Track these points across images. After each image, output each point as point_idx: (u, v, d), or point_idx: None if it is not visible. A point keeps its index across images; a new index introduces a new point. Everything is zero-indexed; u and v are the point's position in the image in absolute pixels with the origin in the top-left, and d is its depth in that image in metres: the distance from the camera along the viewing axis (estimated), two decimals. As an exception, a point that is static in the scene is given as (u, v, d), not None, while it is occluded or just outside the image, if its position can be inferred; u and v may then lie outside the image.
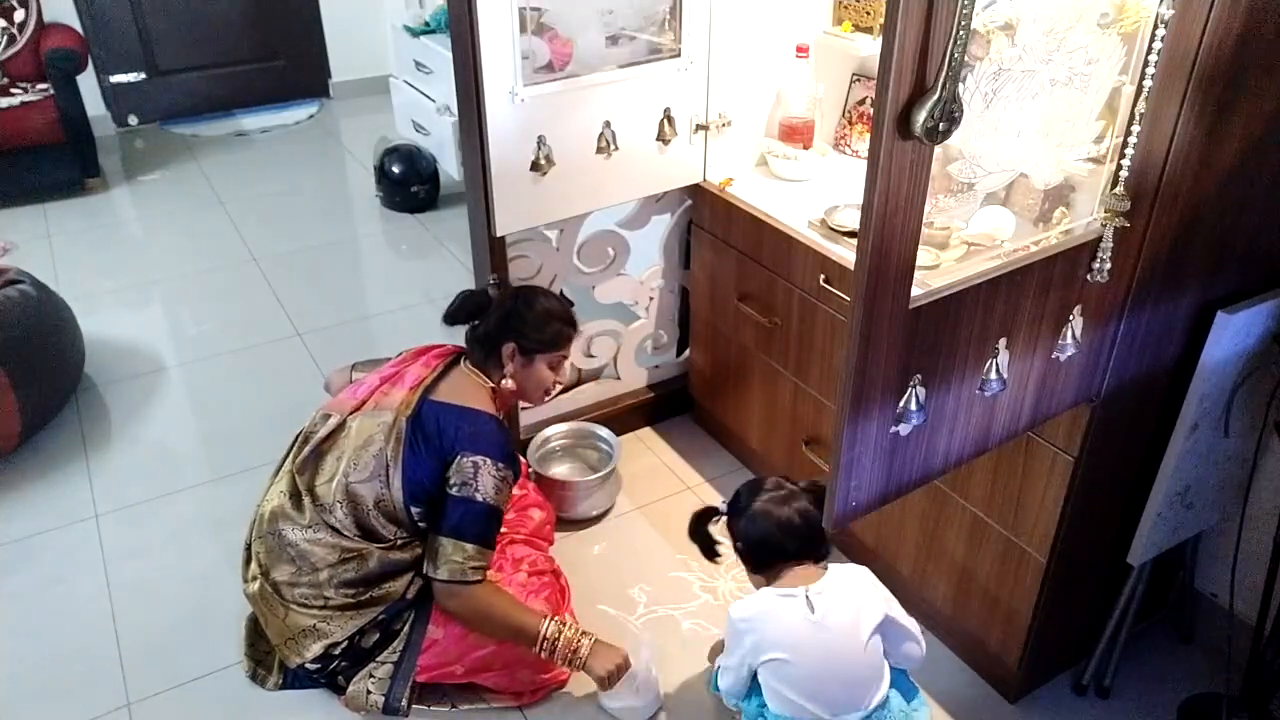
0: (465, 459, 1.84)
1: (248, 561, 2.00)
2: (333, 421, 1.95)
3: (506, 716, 1.98)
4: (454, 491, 1.84)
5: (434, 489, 1.88)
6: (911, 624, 1.70)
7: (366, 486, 1.87)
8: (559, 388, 2.10)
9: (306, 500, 1.91)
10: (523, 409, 2.51)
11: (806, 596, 1.64)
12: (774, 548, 1.72)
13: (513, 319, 1.96)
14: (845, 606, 1.63)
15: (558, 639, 1.89)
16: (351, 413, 1.96)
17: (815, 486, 1.77)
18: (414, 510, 1.89)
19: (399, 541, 1.91)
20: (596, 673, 1.90)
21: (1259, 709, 1.84)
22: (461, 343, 2.07)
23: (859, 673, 1.62)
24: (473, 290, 2.04)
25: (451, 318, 2.01)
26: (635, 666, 1.94)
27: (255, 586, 1.94)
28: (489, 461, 1.85)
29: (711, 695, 1.89)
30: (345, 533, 1.88)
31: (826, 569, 1.71)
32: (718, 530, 1.88)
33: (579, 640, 1.91)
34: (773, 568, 1.73)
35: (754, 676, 1.71)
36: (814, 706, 1.61)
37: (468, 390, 1.95)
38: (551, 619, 1.91)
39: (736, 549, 1.80)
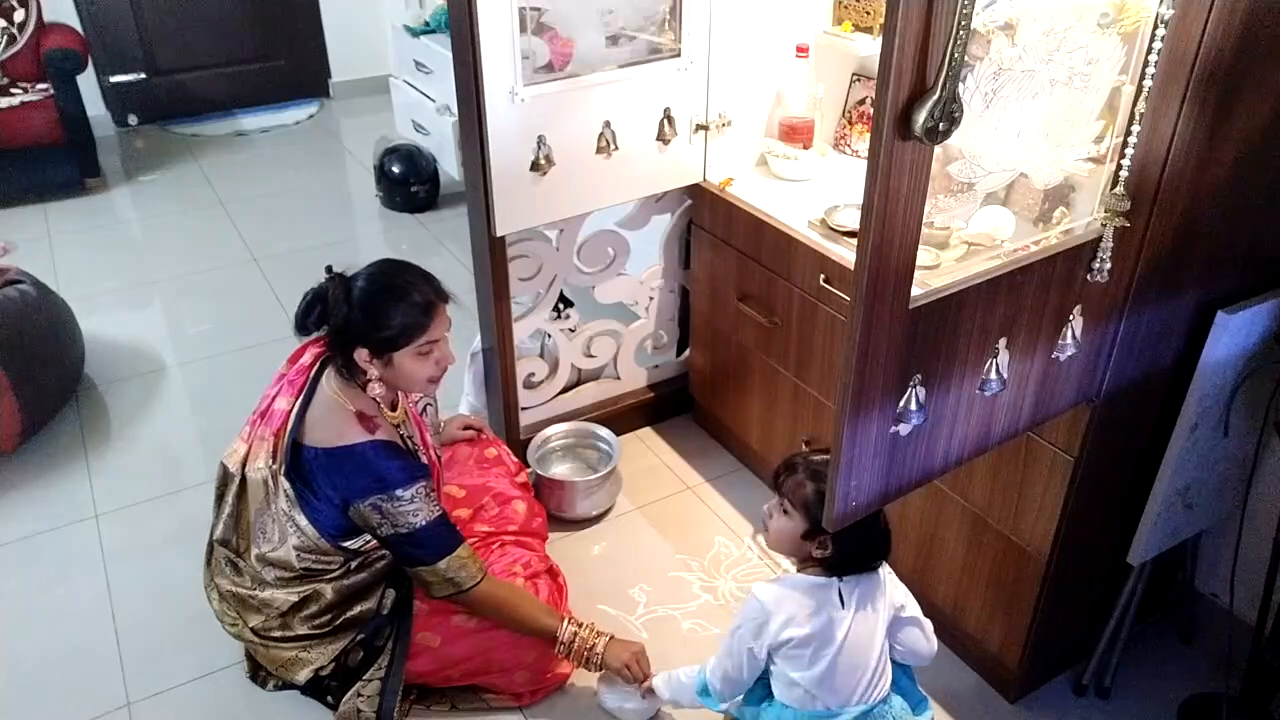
0: (364, 507, 1.74)
1: (223, 612, 1.93)
2: (234, 483, 1.84)
3: (506, 716, 1.98)
4: (383, 533, 1.77)
5: (350, 524, 1.80)
6: (927, 622, 1.69)
7: (281, 550, 1.79)
8: (444, 370, 1.84)
9: (243, 565, 1.87)
10: (522, 409, 2.51)
11: (839, 590, 1.60)
12: (864, 548, 1.60)
13: (350, 321, 1.72)
14: (872, 603, 1.62)
15: (573, 642, 1.89)
16: (242, 465, 1.82)
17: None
18: (344, 543, 1.82)
19: (352, 565, 1.86)
20: (614, 667, 1.90)
21: (1259, 709, 1.84)
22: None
23: (871, 667, 1.63)
24: (316, 289, 1.75)
25: (303, 328, 1.76)
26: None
27: (235, 630, 1.92)
28: (386, 497, 1.74)
29: (701, 702, 1.80)
30: (288, 585, 1.84)
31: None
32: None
33: (594, 640, 1.90)
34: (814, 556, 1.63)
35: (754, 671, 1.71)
36: (822, 694, 1.61)
37: (331, 422, 1.76)
38: (569, 622, 1.91)
39: (803, 507, 1.62)
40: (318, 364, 1.84)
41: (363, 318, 1.72)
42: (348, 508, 1.77)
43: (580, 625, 1.92)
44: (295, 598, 1.83)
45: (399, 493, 1.75)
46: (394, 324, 1.72)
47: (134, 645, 2.12)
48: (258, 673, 2.02)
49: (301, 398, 1.80)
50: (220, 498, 1.89)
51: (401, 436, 1.88)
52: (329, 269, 1.77)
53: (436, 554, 1.80)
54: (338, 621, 1.87)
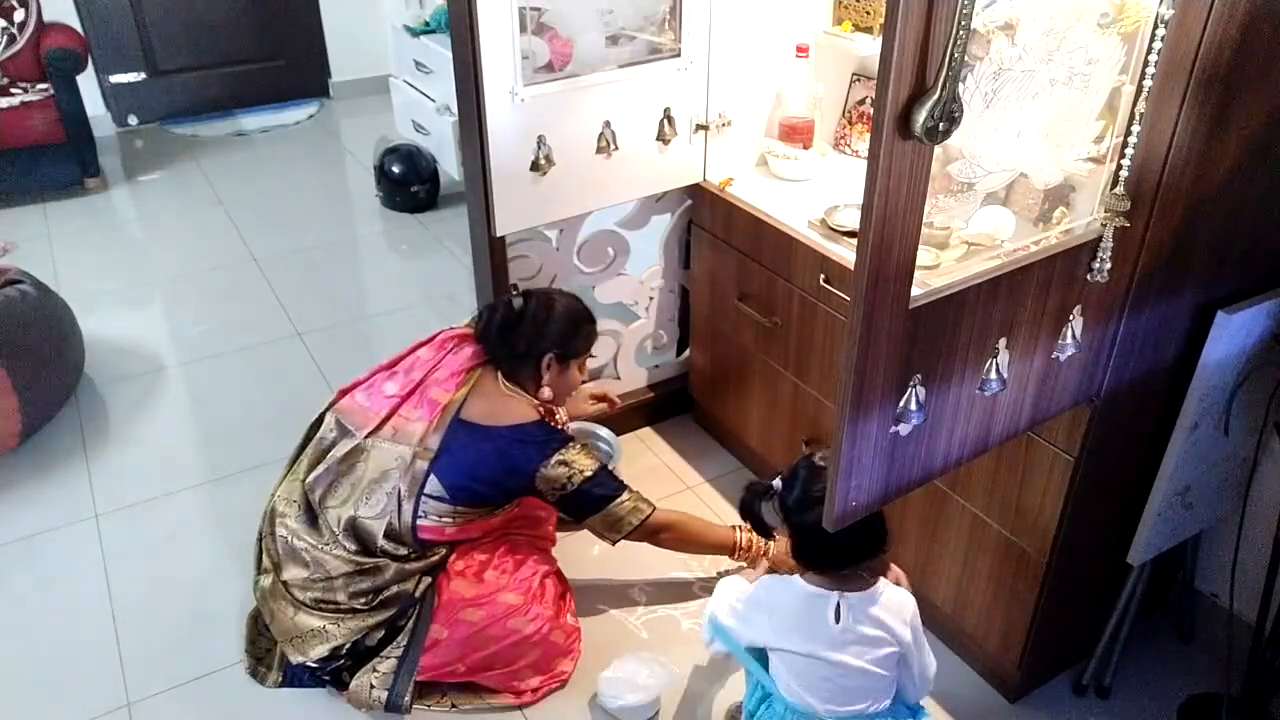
0: (551, 466, 1.90)
1: (262, 555, 2.01)
2: (350, 444, 1.94)
3: (506, 716, 1.98)
4: (573, 485, 1.91)
5: (486, 492, 1.94)
6: (927, 665, 1.64)
7: (375, 523, 1.90)
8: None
9: (320, 519, 1.93)
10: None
11: (838, 604, 1.57)
12: (823, 544, 1.56)
13: (548, 330, 1.99)
14: (870, 628, 1.57)
15: (750, 547, 2.14)
16: (370, 434, 1.94)
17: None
18: (426, 538, 1.93)
19: (413, 556, 1.93)
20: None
21: (1259, 709, 1.84)
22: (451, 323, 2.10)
23: (863, 684, 1.60)
24: (497, 303, 2.05)
25: (485, 335, 2.02)
26: (637, 666, 1.95)
27: (268, 581, 1.94)
28: (567, 449, 1.92)
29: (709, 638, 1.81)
30: (358, 553, 1.90)
31: (875, 580, 1.60)
32: (768, 508, 1.74)
33: (764, 545, 2.14)
34: (815, 563, 1.62)
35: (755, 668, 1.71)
36: (813, 700, 1.61)
37: (512, 408, 1.96)
38: (740, 529, 2.14)
39: (785, 528, 1.66)
40: (476, 371, 2.00)
41: (562, 327, 2.00)
42: (540, 475, 1.90)
43: (746, 530, 2.14)
44: (352, 568, 1.88)
45: (572, 444, 1.95)
46: (583, 334, 2.05)
47: (134, 645, 2.13)
48: (258, 668, 2.03)
49: (467, 390, 1.96)
50: (324, 451, 1.97)
51: None
52: (515, 287, 2.14)
53: (617, 490, 1.98)
54: (376, 602, 1.90)
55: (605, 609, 2.20)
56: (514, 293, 2.04)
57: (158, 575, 2.30)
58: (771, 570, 2.05)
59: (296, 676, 2.00)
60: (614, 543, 2.02)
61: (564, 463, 1.92)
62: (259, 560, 2.02)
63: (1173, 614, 2.14)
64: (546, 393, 2.02)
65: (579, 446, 1.96)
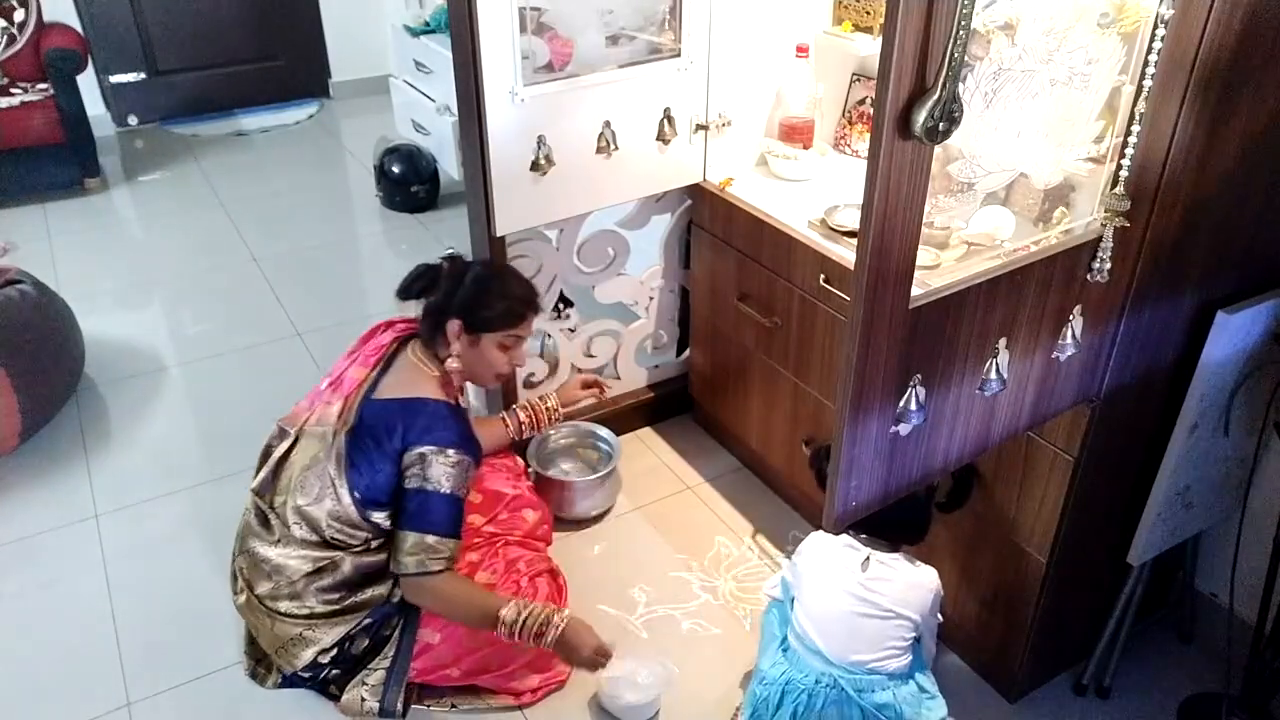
0: (413, 452, 1.79)
1: (235, 575, 1.99)
2: (286, 442, 1.91)
3: (506, 716, 1.98)
4: (409, 485, 1.80)
5: (390, 486, 1.83)
6: (929, 648, 1.80)
7: (316, 508, 1.84)
8: (514, 370, 1.97)
9: (271, 517, 1.90)
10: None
11: (869, 556, 1.71)
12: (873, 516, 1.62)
13: (460, 294, 1.87)
14: (893, 589, 1.70)
15: (517, 622, 1.81)
16: (300, 426, 1.91)
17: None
18: (375, 516, 1.84)
19: (372, 545, 1.88)
20: (573, 661, 1.88)
21: (1259, 709, 1.84)
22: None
23: (873, 632, 1.69)
24: (428, 264, 1.93)
25: (405, 292, 1.91)
26: (637, 666, 1.95)
27: (243, 599, 1.93)
28: (436, 449, 1.79)
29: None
30: (312, 547, 1.87)
31: (903, 553, 1.78)
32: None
33: (544, 620, 1.82)
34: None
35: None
36: (824, 644, 1.72)
37: (412, 380, 1.88)
38: (514, 601, 1.84)
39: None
40: (396, 343, 1.95)
41: (471, 293, 1.87)
42: (405, 454, 1.80)
43: (528, 606, 1.83)
44: (310, 566, 1.85)
45: (450, 451, 1.80)
46: (495, 308, 1.88)
47: (134, 645, 2.13)
48: (256, 669, 2.03)
49: (379, 368, 1.91)
50: (266, 454, 1.95)
51: None
52: (450, 249, 1.95)
53: (436, 526, 1.80)
54: (348, 601, 1.88)
55: (605, 609, 2.20)
56: (447, 252, 1.93)
57: (158, 575, 2.30)
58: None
59: (295, 677, 1.99)
60: (391, 571, 1.85)
61: (423, 458, 1.78)
62: (234, 579, 1.99)
63: (1173, 614, 2.14)
64: (453, 363, 1.89)
65: (467, 464, 1.81)
